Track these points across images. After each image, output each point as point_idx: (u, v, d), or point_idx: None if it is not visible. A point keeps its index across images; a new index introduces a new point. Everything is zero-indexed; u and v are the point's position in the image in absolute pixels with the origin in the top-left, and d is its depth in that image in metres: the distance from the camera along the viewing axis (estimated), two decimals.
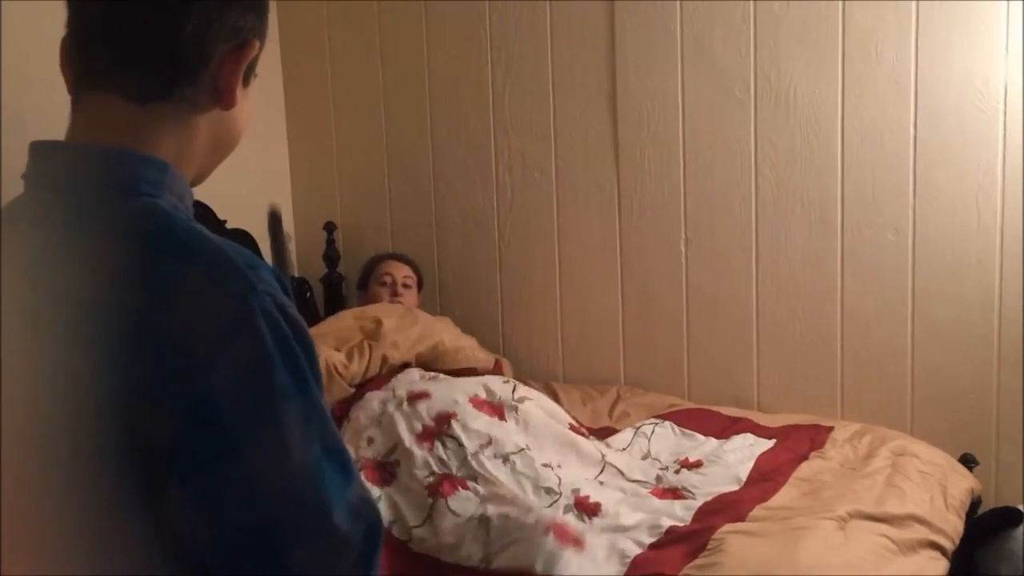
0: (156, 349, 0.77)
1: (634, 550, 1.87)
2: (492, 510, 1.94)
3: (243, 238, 2.70)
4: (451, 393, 2.29)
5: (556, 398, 2.63)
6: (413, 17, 3.01)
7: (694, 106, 2.65)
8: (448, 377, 2.49)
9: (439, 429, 2.16)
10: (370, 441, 2.18)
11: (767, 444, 2.36)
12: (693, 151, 2.68)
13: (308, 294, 3.16)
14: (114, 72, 0.89)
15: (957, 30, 2.33)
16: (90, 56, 0.90)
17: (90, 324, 0.79)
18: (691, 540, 1.89)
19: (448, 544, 1.90)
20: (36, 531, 0.82)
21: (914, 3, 2.36)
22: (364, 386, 2.41)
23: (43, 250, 0.84)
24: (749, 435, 2.41)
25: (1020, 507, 2.16)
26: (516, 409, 2.28)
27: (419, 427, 2.18)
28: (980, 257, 2.38)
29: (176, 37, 0.88)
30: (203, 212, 2.40)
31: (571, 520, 1.94)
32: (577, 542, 1.85)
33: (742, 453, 2.31)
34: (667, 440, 2.41)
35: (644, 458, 2.33)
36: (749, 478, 2.20)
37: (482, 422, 2.20)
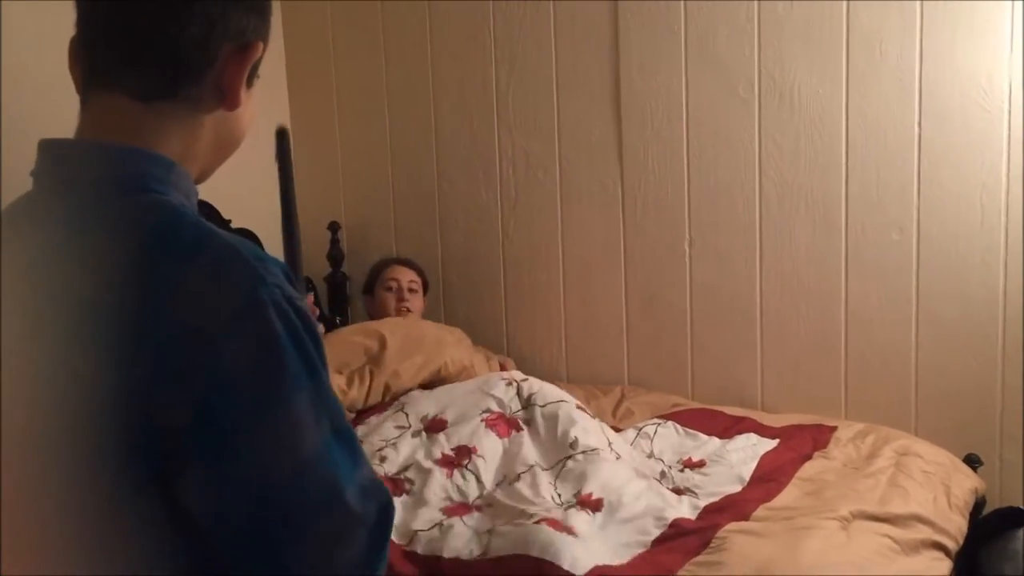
0: (169, 339, 0.79)
1: (637, 546, 1.87)
2: (500, 524, 1.95)
3: (248, 237, 2.71)
4: (466, 417, 2.29)
5: None
6: (417, 16, 3.01)
7: (698, 105, 2.65)
8: (454, 387, 2.48)
9: (459, 461, 2.17)
10: (383, 459, 2.17)
11: (770, 444, 2.36)
12: (697, 150, 2.67)
13: (312, 293, 3.16)
14: (120, 72, 0.91)
15: (961, 29, 2.33)
16: (97, 56, 0.92)
17: (103, 317, 0.80)
18: (694, 537, 1.90)
19: (453, 546, 1.90)
20: (46, 528, 0.83)
21: (918, 2, 2.36)
22: (366, 412, 2.42)
23: (55, 245, 0.85)
24: (752, 435, 2.41)
25: None
26: (528, 422, 2.29)
27: (438, 454, 2.19)
28: (984, 256, 2.38)
29: (180, 37, 0.90)
30: (207, 211, 2.40)
31: (571, 513, 1.95)
32: (570, 530, 1.86)
33: (745, 453, 2.31)
34: (670, 440, 2.41)
35: (648, 458, 2.34)
36: (752, 478, 2.20)
37: (498, 452, 2.21)
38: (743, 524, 1.94)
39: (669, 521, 1.94)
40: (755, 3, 2.53)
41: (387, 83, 3.11)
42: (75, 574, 0.82)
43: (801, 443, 2.36)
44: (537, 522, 1.87)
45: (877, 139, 2.46)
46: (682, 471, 2.27)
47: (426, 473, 2.12)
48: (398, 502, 2.04)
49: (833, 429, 2.43)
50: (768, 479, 2.17)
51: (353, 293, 3.18)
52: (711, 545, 1.86)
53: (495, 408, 2.33)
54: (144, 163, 0.90)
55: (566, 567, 1.73)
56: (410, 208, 3.16)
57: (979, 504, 2.27)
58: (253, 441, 0.81)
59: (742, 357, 2.70)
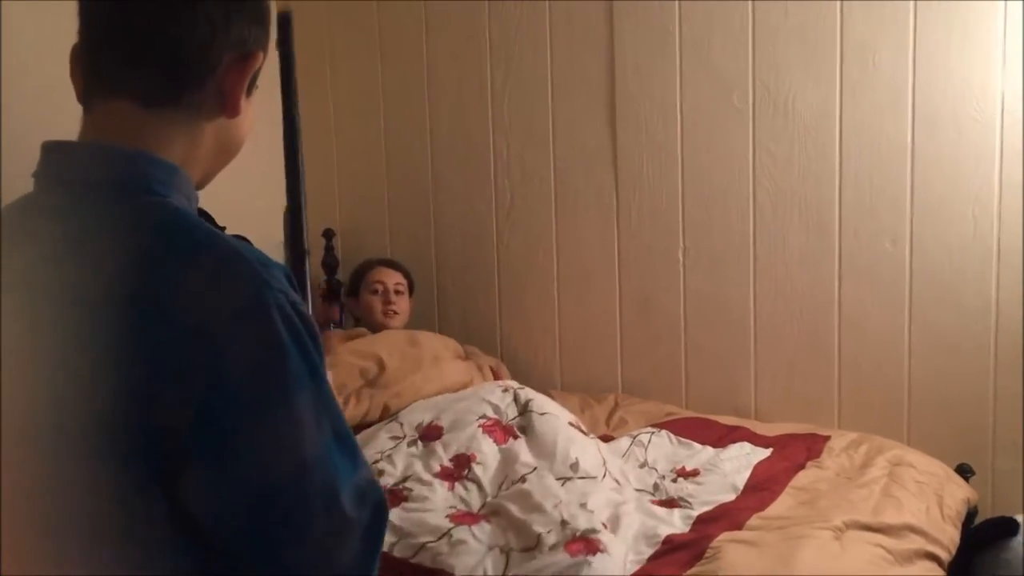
0: (171, 339, 0.80)
1: (633, 564, 1.86)
2: (513, 542, 1.92)
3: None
4: (462, 424, 2.28)
5: None
6: (413, 22, 3.02)
7: (693, 113, 2.66)
8: (447, 398, 2.48)
9: (459, 473, 2.16)
10: (380, 473, 2.14)
11: (764, 453, 2.37)
12: (691, 158, 2.68)
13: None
14: (124, 78, 0.93)
15: (954, 39, 2.34)
16: (101, 62, 0.94)
17: (105, 316, 0.81)
18: (688, 549, 1.90)
19: (465, 563, 1.86)
20: (48, 527, 0.84)
21: (912, 12, 2.37)
22: (358, 425, 2.41)
23: (60, 244, 0.87)
24: (746, 444, 2.41)
25: (1016, 517, 2.17)
26: (524, 429, 2.29)
27: (436, 467, 2.18)
28: (977, 266, 2.39)
29: (184, 45, 0.92)
30: (203, 218, 2.39)
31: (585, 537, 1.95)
32: (591, 547, 1.84)
33: (739, 462, 2.32)
34: (664, 449, 2.41)
35: (641, 467, 2.33)
36: (746, 487, 2.20)
37: (497, 456, 2.20)
38: (736, 533, 1.94)
39: (662, 539, 1.94)
40: (749, 12, 2.54)
41: (383, 89, 3.12)
42: (77, 574, 0.83)
43: (794, 452, 2.37)
44: (551, 547, 1.86)
45: (870, 148, 2.46)
46: (675, 480, 2.27)
47: (427, 486, 2.11)
48: (400, 510, 2.02)
49: (826, 438, 2.43)
50: (762, 488, 2.18)
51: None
52: (705, 556, 1.86)
53: (491, 414, 2.32)
54: (147, 166, 0.91)
55: None
56: (405, 214, 3.16)
57: (971, 514, 2.28)
58: (254, 442, 0.82)
59: (736, 365, 2.70)
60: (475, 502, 2.09)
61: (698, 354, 2.76)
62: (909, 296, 2.47)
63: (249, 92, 0.99)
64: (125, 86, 0.92)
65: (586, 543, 1.86)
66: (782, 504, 2.10)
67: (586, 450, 2.24)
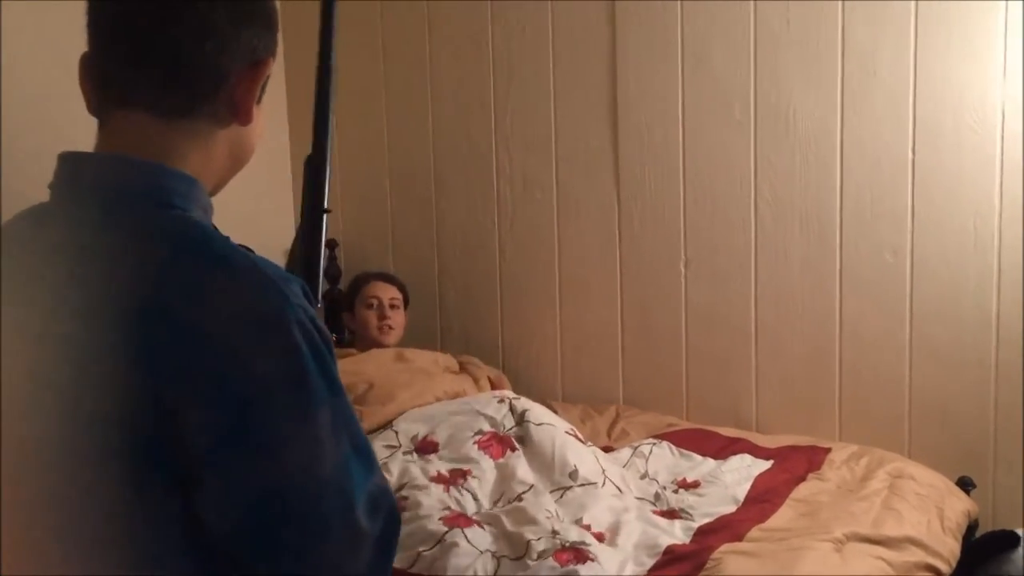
0: (196, 352, 0.81)
1: None
2: (504, 549, 1.94)
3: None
4: (458, 440, 2.28)
5: None
6: (416, 33, 3.03)
7: (694, 125, 2.67)
8: (445, 404, 2.48)
9: (454, 481, 2.17)
10: None
11: (765, 465, 2.37)
12: (693, 169, 2.69)
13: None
14: (138, 90, 0.93)
15: (954, 52, 2.35)
16: (114, 74, 0.94)
17: (131, 328, 0.82)
18: (689, 560, 1.90)
19: (456, 564, 1.88)
20: (63, 531, 0.84)
21: (912, 23, 2.38)
22: None
23: (82, 255, 0.87)
24: (747, 456, 2.41)
25: (1017, 530, 2.16)
26: (523, 440, 2.30)
27: (433, 472, 2.19)
28: (978, 279, 2.39)
29: (197, 57, 0.92)
30: None
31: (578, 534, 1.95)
32: (580, 556, 1.86)
33: (740, 474, 2.32)
34: (665, 460, 2.41)
35: (642, 478, 2.34)
36: (747, 499, 2.20)
37: (494, 472, 2.20)
38: (737, 545, 1.95)
39: (663, 549, 1.94)
40: (751, 23, 2.55)
41: (385, 100, 3.13)
42: (108, 569, 0.84)
43: (795, 464, 2.37)
44: (540, 554, 1.87)
45: (871, 160, 2.47)
46: (676, 492, 2.27)
47: (423, 489, 2.11)
48: None
49: (827, 451, 2.43)
50: (762, 500, 2.18)
51: None
52: (706, 567, 1.86)
53: (487, 428, 2.32)
54: (168, 179, 0.92)
55: None
56: (407, 225, 3.17)
57: (972, 527, 2.28)
58: (273, 457, 0.83)
59: (737, 377, 2.70)
60: (470, 507, 2.09)
61: (699, 365, 2.76)
62: (910, 308, 2.47)
63: (259, 98, 0.99)
64: (140, 98, 0.93)
65: (575, 552, 1.88)
66: (783, 516, 2.10)
67: (584, 458, 2.25)
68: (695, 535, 2.02)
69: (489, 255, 3.02)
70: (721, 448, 2.47)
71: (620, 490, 2.21)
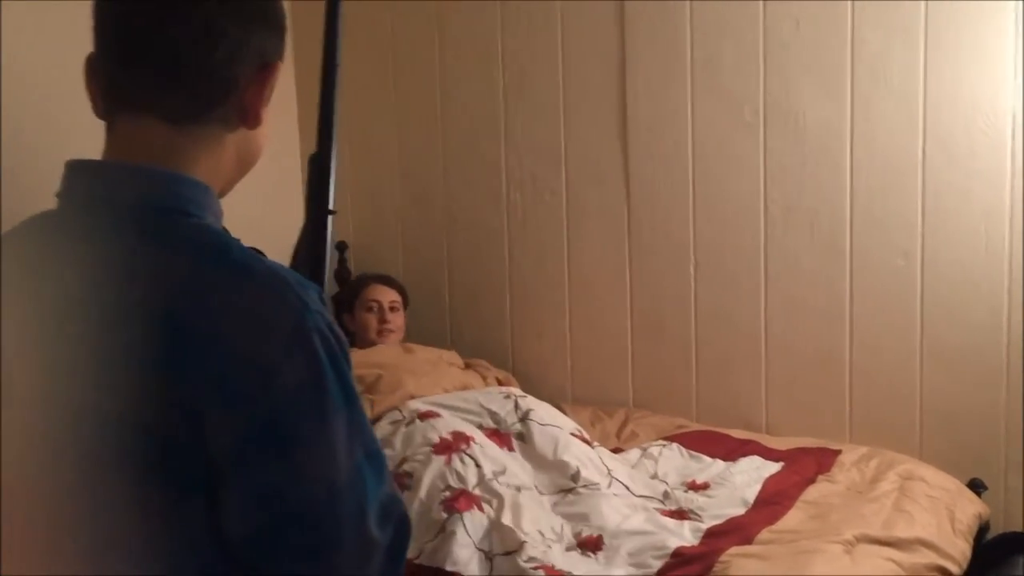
0: (218, 361, 0.82)
1: None
2: (497, 546, 1.96)
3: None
4: (461, 424, 2.30)
5: None
6: (426, 38, 3.04)
7: (704, 128, 2.67)
8: (452, 395, 2.49)
9: (457, 446, 2.18)
10: None
11: (774, 467, 2.37)
12: (703, 174, 2.69)
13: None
14: (149, 96, 0.93)
15: (965, 55, 2.35)
16: (124, 80, 0.94)
17: (152, 338, 0.83)
18: (698, 562, 1.90)
19: (456, 556, 1.91)
20: (85, 534, 0.85)
21: (923, 27, 2.38)
22: None
23: (100, 266, 0.87)
24: (756, 458, 2.41)
25: None
26: (523, 437, 2.30)
27: (436, 438, 2.19)
28: (988, 282, 2.39)
29: (208, 62, 0.92)
30: None
31: (572, 557, 1.96)
32: None
33: (749, 476, 2.32)
34: (674, 462, 2.41)
35: (652, 478, 2.34)
36: (756, 501, 2.20)
37: (496, 451, 2.22)
38: (746, 548, 1.95)
39: (671, 551, 1.95)
40: (760, 27, 2.55)
41: (395, 103, 3.14)
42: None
43: (805, 466, 2.36)
44: (536, 568, 1.88)
45: (882, 164, 2.47)
46: (686, 492, 2.27)
47: (424, 463, 2.13)
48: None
49: (837, 453, 2.43)
50: (772, 502, 2.18)
51: None
52: (714, 570, 1.86)
53: (489, 424, 2.34)
54: (183, 187, 0.92)
55: None
56: (417, 229, 3.18)
57: (983, 529, 2.27)
58: (291, 465, 0.84)
59: (747, 380, 2.70)
60: (471, 478, 2.10)
61: (709, 368, 2.76)
62: (920, 311, 2.47)
63: (267, 101, 0.99)
64: (150, 104, 0.93)
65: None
66: (793, 518, 2.10)
67: (588, 459, 2.25)
68: (704, 537, 2.02)
69: (499, 258, 3.03)
70: (731, 450, 2.47)
71: (629, 489, 2.21)
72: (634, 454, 2.44)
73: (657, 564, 1.92)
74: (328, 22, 1.19)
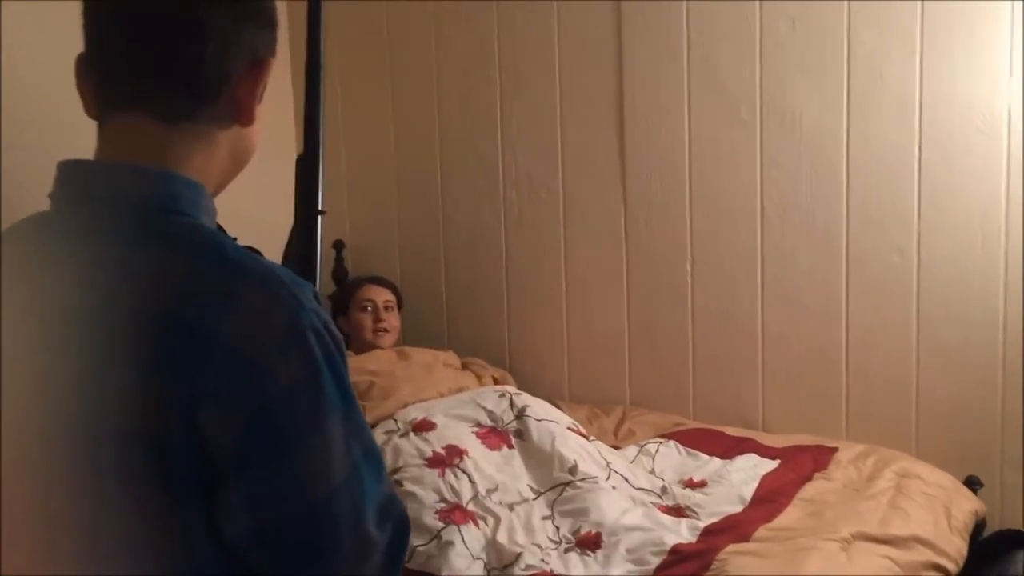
0: (214, 361, 0.81)
1: None
2: (494, 561, 1.97)
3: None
4: (457, 428, 2.30)
5: None
6: (422, 38, 3.04)
7: (700, 127, 2.67)
8: (446, 398, 2.49)
9: (450, 460, 2.18)
10: None
11: (771, 464, 2.37)
12: (699, 172, 2.69)
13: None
14: (140, 94, 0.92)
15: (961, 54, 2.35)
16: (115, 79, 0.93)
17: (147, 338, 0.82)
18: (695, 560, 1.90)
19: (454, 566, 1.90)
20: (84, 537, 0.85)
21: (918, 26, 2.39)
22: None
23: (94, 266, 0.86)
24: (753, 455, 2.42)
25: None
26: (521, 434, 2.30)
27: (429, 452, 2.20)
28: (984, 280, 2.39)
29: (199, 59, 0.91)
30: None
31: (570, 558, 1.96)
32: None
33: (746, 473, 2.32)
34: (671, 459, 2.42)
35: (649, 473, 2.35)
36: (753, 498, 2.21)
37: (491, 463, 2.21)
38: (743, 545, 1.95)
39: (668, 548, 1.95)
40: (757, 27, 2.56)
41: (392, 103, 3.14)
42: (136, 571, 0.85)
43: (802, 464, 2.37)
44: (533, 575, 1.89)
45: (878, 162, 2.47)
46: (683, 490, 2.28)
47: (418, 475, 2.13)
48: None
49: (834, 450, 2.43)
50: (769, 500, 2.18)
51: None
52: (712, 567, 1.87)
53: (486, 421, 2.34)
54: (177, 186, 0.91)
55: None
56: (414, 227, 3.18)
57: (979, 526, 2.27)
58: (288, 465, 0.83)
59: (744, 378, 2.71)
60: (465, 493, 2.10)
61: (706, 366, 2.76)
62: (917, 308, 2.47)
63: (260, 98, 0.99)
64: (141, 102, 0.92)
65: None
66: (789, 516, 2.10)
67: (585, 452, 2.26)
68: (701, 535, 2.02)
69: (495, 257, 3.03)
70: (728, 448, 2.48)
71: (628, 481, 2.22)
72: (631, 451, 2.44)
73: (655, 561, 1.92)
74: (310, 24, 1.18)
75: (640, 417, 2.75)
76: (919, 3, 2.38)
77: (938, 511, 2.14)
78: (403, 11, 3.07)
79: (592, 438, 2.40)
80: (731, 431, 2.60)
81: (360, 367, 2.60)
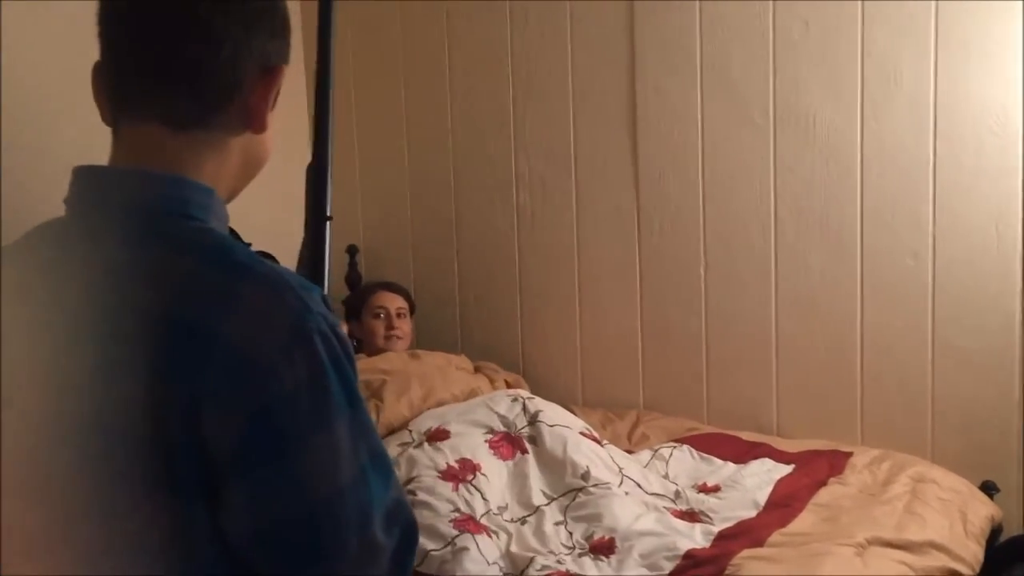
0: (219, 363, 0.82)
1: None
2: (509, 568, 1.98)
3: (268, 259, 2.73)
4: (471, 437, 2.30)
5: None
6: (435, 42, 3.05)
7: (713, 130, 2.67)
8: (458, 404, 2.49)
9: (463, 475, 2.18)
10: None
11: (786, 469, 2.36)
12: (712, 175, 2.69)
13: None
14: (152, 103, 0.93)
15: (975, 56, 2.34)
16: (127, 87, 0.94)
17: (154, 340, 0.83)
18: (709, 565, 1.90)
19: (470, 572, 1.90)
20: (86, 535, 0.85)
21: (933, 26, 2.37)
22: None
23: (102, 268, 0.87)
24: (767, 460, 2.41)
25: None
26: (534, 439, 2.30)
27: (443, 464, 2.20)
28: (1000, 283, 2.38)
29: (210, 66, 0.92)
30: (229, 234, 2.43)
31: (584, 562, 1.96)
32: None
33: (760, 478, 2.31)
34: (685, 464, 2.41)
35: (663, 477, 2.34)
36: (767, 503, 2.20)
37: (502, 479, 2.21)
38: (757, 551, 1.94)
39: (682, 553, 1.94)
40: (770, 28, 2.55)
41: (405, 107, 3.15)
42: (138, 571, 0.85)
43: (817, 469, 2.36)
44: (548, 575, 1.89)
45: (892, 165, 2.46)
46: (697, 494, 2.27)
47: (431, 488, 2.13)
48: None
49: (849, 455, 2.42)
50: (783, 504, 2.17)
51: None
52: (726, 572, 1.86)
53: (499, 427, 2.34)
54: (187, 191, 0.92)
55: None
56: (427, 231, 3.18)
57: (996, 532, 2.26)
58: (292, 467, 0.83)
59: (758, 382, 2.70)
60: (479, 508, 2.10)
61: (720, 370, 2.75)
62: (932, 312, 2.46)
63: (272, 105, 0.99)
64: (154, 111, 0.93)
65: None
66: (804, 521, 2.09)
67: (598, 458, 2.25)
68: (715, 540, 2.02)
69: (508, 261, 3.03)
70: (742, 452, 2.47)
71: (640, 486, 2.21)
72: (645, 455, 2.44)
73: (669, 566, 1.92)
74: (321, 31, 1.19)
75: (653, 421, 2.75)
76: (933, 4, 2.36)
77: (954, 516, 2.13)
78: (416, 15, 3.07)
79: (605, 443, 2.40)
80: (745, 435, 2.59)
81: (373, 367, 2.62)
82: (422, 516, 2.04)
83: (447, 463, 2.20)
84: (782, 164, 2.59)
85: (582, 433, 2.36)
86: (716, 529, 2.06)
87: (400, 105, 3.15)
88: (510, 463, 2.26)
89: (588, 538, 2.05)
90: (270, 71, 0.96)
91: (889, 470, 2.33)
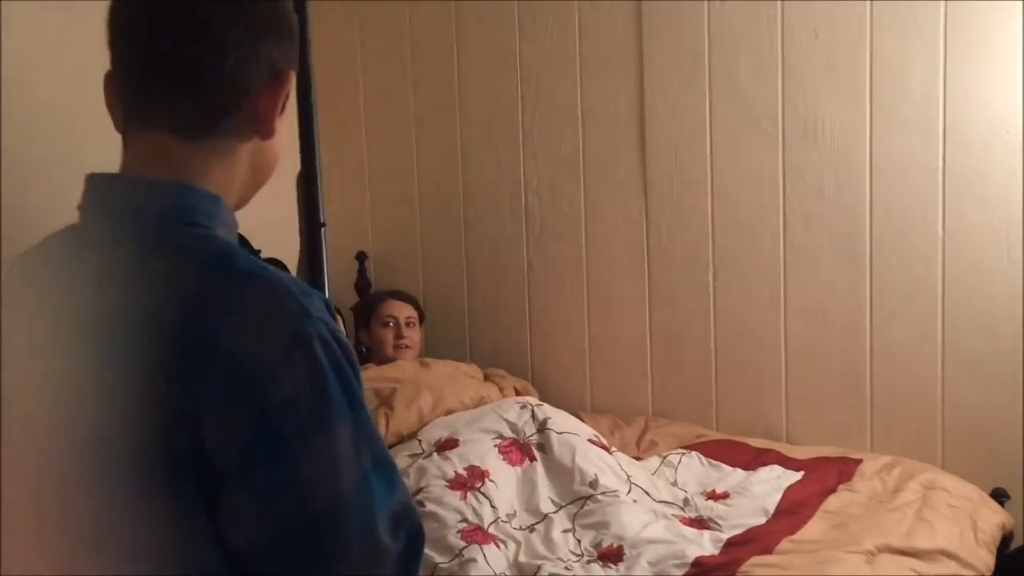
0: (220, 368, 0.82)
1: None
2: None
3: (277, 267, 2.74)
4: (478, 440, 2.30)
5: None
6: (445, 48, 3.06)
7: (722, 138, 2.67)
8: (468, 411, 2.50)
9: (471, 483, 2.18)
10: None
11: (795, 476, 2.35)
12: (721, 182, 2.69)
13: (340, 323, 3.19)
14: (160, 111, 0.94)
15: (984, 62, 2.33)
16: (135, 96, 0.95)
17: (156, 344, 0.83)
18: (718, 572, 1.89)
19: None
20: (88, 539, 0.86)
21: (941, 31, 2.37)
22: None
23: (106, 273, 0.88)
24: (776, 467, 2.40)
25: None
26: (542, 447, 2.30)
27: (451, 473, 2.20)
28: (1010, 288, 2.37)
29: (218, 74, 0.93)
30: (238, 242, 2.44)
31: (593, 568, 1.96)
32: None
33: (769, 485, 2.31)
34: (694, 470, 2.41)
35: (672, 485, 2.34)
36: (776, 510, 2.19)
37: (511, 485, 2.21)
38: (766, 558, 1.94)
39: (691, 560, 1.94)
40: (779, 35, 2.55)
41: (414, 114, 3.16)
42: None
43: (826, 476, 2.35)
44: None
45: (901, 171, 2.46)
46: (706, 501, 2.27)
47: (439, 498, 2.13)
48: None
49: (858, 462, 2.41)
50: (792, 512, 2.17)
51: None
52: None
53: (508, 433, 2.34)
54: (193, 198, 0.93)
55: None
56: (436, 238, 3.19)
57: (1006, 539, 2.25)
58: (293, 472, 0.84)
59: (766, 389, 2.69)
60: (487, 516, 2.10)
61: (728, 377, 2.75)
62: (941, 318, 2.45)
63: (281, 110, 0.99)
64: (162, 119, 0.93)
65: None
66: (813, 528, 2.09)
67: (606, 466, 2.25)
68: (724, 547, 2.01)
69: (517, 268, 3.03)
70: (751, 459, 2.46)
71: (649, 494, 2.21)
72: (653, 462, 2.43)
73: (678, 573, 1.91)
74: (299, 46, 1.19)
75: (662, 428, 2.74)
76: (942, 6, 2.36)
77: (964, 524, 2.12)
78: (424, 22, 3.08)
79: (614, 450, 2.40)
80: (754, 442, 2.58)
81: (383, 375, 2.62)
82: (430, 528, 2.03)
83: (455, 471, 2.20)
84: (790, 170, 2.59)
85: (591, 440, 2.35)
86: (725, 536, 2.06)
87: (409, 112, 3.16)
88: (519, 469, 2.25)
89: (596, 545, 2.05)
90: (278, 76, 0.97)
91: (899, 477, 2.33)
